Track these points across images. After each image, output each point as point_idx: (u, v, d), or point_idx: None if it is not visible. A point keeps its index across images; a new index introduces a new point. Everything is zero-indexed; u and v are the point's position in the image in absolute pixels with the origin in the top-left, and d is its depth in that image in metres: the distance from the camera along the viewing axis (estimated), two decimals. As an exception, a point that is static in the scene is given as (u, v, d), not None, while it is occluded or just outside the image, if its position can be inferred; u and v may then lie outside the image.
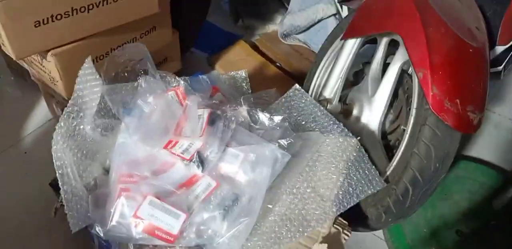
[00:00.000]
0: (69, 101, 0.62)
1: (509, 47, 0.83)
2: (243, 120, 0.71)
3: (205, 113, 0.65)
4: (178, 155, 0.61)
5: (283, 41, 1.43)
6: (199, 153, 0.61)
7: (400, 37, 0.78)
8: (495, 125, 1.28)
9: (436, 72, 0.71)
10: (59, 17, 0.74)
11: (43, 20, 0.73)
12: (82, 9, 0.77)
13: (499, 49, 0.84)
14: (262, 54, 1.38)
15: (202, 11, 1.23)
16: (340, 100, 0.94)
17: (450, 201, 0.98)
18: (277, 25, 1.46)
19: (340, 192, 0.70)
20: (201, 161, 0.60)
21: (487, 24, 0.81)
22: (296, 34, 1.43)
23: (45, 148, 0.62)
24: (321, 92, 1.04)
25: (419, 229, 0.94)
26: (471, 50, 0.74)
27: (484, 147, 1.20)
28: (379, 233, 0.98)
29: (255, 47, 1.41)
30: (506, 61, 0.85)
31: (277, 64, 1.35)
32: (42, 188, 0.79)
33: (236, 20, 1.53)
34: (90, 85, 0.64)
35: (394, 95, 0.86)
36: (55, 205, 0.68)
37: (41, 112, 1.09)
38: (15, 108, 1.12)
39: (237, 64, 1.30)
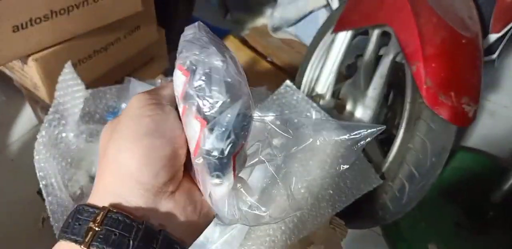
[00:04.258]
0: (50, 109, 0.59)
1: (502, 35, 0.82)
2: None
3: None
4: None
5: (273, 35, 1.41)
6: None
7: (392, 29, 0.76)
8: (490, 114, 1.26)
9: (429, 65, 0.69)
10: (38, 20, 0.72)
11: (22, 24, 0.70)
12: (62, 11, 0.74)
13: (492, 37, 0.82)
14: (252, 49, 1.35)
15: (188, 6, 1.20)
16: (333, 95, 0.93)
17: (447, 193, 0.97)
18: (267, 19, 1.43)
19: (336, 191, 0.69)
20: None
21: (479, 13, 0.80)
22: (287, 27, 1.40)
23: (32, 155, 0.60)
24: (313, 87, 1.02)
25: (416, 223, 0.94)
26: (464, 41, 0.72)
27: (480, 136, 1.19)
28: (377, 228, 0.97)
29: (244, 42, 1.38)
30: (499, 49, 0.84)
31: (268, 59, 1.33)
32: (30, 196, 0.77)
33: (224, 14, 1.50)
34: (71, 91, 0.62)
35: (388, 88, 0.85)
36: (43, 215, 0.67)
37: (26, 118, 1.06)
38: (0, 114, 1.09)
39: (227, 60, 1.27)
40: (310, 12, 1.35)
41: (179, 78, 0.26)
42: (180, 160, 0.26)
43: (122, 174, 0.24)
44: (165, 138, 0.25)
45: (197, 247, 0.56)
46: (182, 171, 0.27)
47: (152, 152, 0.24)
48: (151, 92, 0.28)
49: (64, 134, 0.60)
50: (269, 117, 0.76)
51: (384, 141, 0.85)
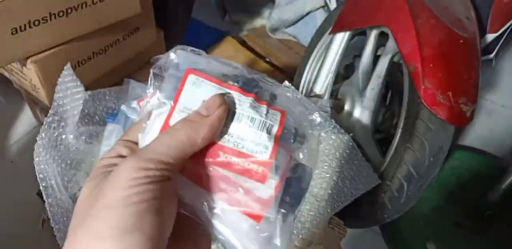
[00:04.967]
0: (49, 111, 0.59)
1: (499, 34, 0.82)
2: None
3: None
4: None
5: (272, 35, 1.41)
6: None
7: (389, 29, 0.77)
8: (488, 113, 1.27)
9: (427, 65, 0.70)
10: (36, 23, 0.72)
11: (20, 27, 0.70)
12: (61, 14, 0.74)
13: (490, 37, 0.83)
14: (251, 50, 1.36)
15: (187, 8, 1.20)
16: (331, 95, 0.93)
17: (446, 192, 0.98)
18: (265, 20, 1.44)
19: (334, 191, 0.69)
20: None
21: (477, 13, 0.80)
22: (285, 28, 1.41)
23: (32, 157, 0.60)
24: (311, 88, 1.02)
25: (415, 222, 0.94)
26: (461, 41, 0.72)
27: (477, 135, 1.19)
28: (376, 227, 0.97)
29: (243, 43, 1.38)
30: (497, 49, 0.84)
31: (267, 59, 1.33)
32: (30, 198, 0.77)
33: (223, 15, 1.50)
34: (71, 93, 0.61)
35: (386, 88, 0.85)
36: (42, 217, 0.67)
37: (26, 119, 1.06)
38: (-1, 116, 1.09)
39: (226, 61, 1.28)
40: (308, 13, 1.35)
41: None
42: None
43: None
44: (147, 235, 0.21)
45: None
46: None
47: None
48: (148, 155, 0.23)
49: (63, 136, 0.59)
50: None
51: (383, 141, 0.85)
